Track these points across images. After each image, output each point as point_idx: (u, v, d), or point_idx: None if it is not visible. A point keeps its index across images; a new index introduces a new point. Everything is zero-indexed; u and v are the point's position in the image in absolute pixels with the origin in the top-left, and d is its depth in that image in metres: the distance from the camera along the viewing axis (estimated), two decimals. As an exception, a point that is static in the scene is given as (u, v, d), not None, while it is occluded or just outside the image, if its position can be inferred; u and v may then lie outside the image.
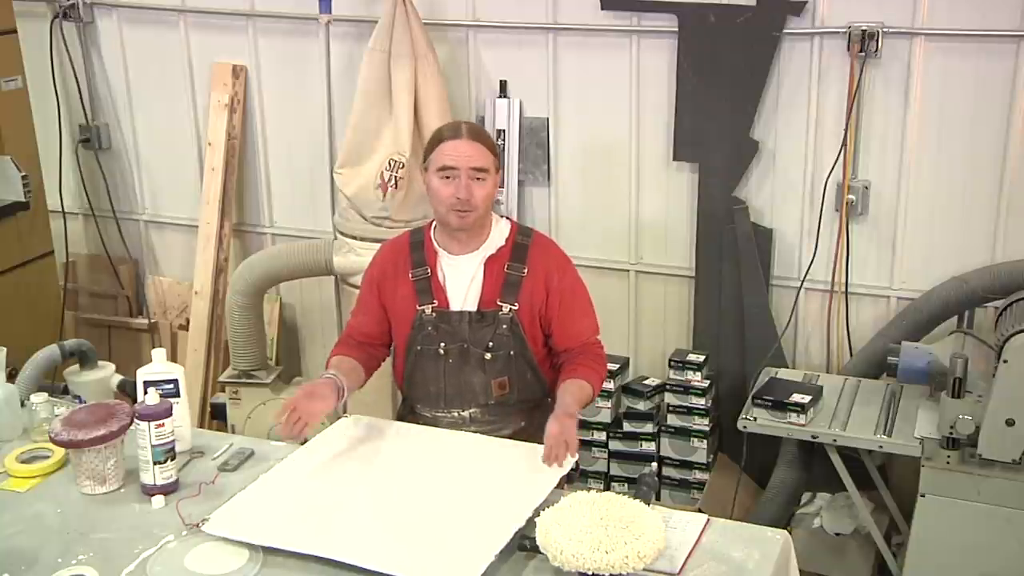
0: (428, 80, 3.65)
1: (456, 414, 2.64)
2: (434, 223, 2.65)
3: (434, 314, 2.57)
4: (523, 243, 2.59)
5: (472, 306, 2.56)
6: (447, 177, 2.48)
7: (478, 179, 2.48)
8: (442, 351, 2.58)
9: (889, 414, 3.23)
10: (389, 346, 2.74)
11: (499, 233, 2.60)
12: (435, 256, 2.60)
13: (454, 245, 2.58)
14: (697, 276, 3.78)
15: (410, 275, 2.59)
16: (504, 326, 2.55)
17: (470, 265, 2.57)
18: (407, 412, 2.75)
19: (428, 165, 2.55)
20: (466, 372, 2.59)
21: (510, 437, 2.60)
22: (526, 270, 2.55)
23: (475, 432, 2.59)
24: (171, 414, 2.29)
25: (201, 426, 3.88)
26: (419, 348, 2.60)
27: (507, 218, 2.68)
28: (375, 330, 2.70)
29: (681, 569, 2.00)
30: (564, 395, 2.48)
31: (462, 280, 2.57)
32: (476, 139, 2.50)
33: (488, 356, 2.56)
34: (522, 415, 2.65)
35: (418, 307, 2.58)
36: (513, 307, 2.54)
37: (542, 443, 2.48)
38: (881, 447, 3.14)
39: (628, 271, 3.91)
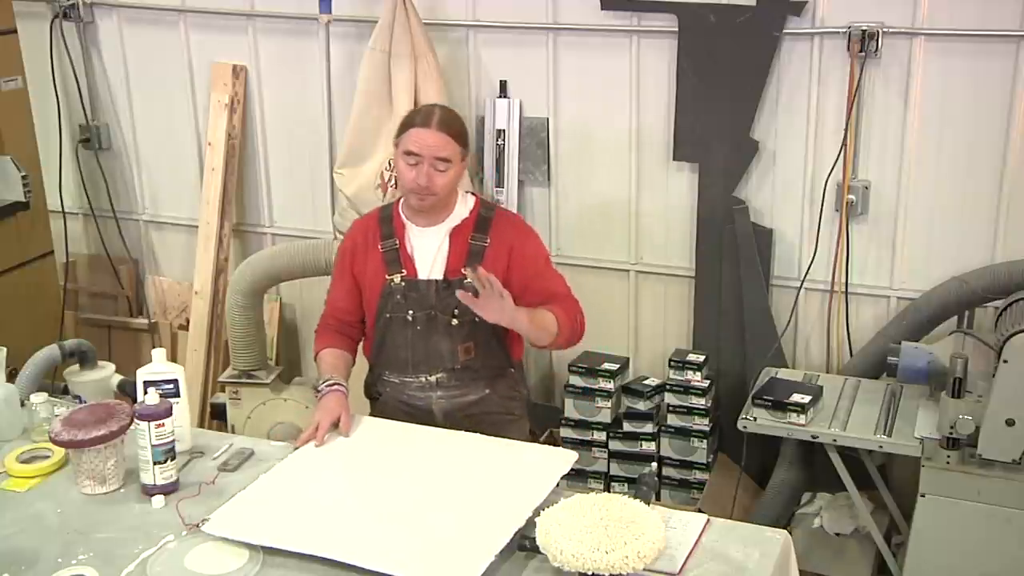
0: (428, 80, 3.65)
1: (424, 379, 2.73)
2: (403, 197, 2.75)
3: (403, 283, 2.67)
4: (486, 216, 2.70)
5: (439, 275, 2.67)
6: (411, 163, 2.57)
7: (439, 169, 2.57)
8: (410, 318, 2.68)
9: (889, 414, 3.23)
10: (364, 321, 2.82)
11: (464, 207, 2.71)
12: (403, 228, 2.71)
13: (420, 219, 2.69)
14: (697, 276, 3.78)
15: (379, 246, 2.70)
16: (469, 294, 2.61)
17: (436, 236, 2.68)
18: (374, 380, 2.84)
19: (398, 143, 2.64)
20: (434, 338, 2.69)
21: (475, 403, 2.74)
22: (488, 240, 2.66)
23: (440, 397, 2.72)
24: (171, 414, 2.29)
25: (201, 426, 3.88)
26: (388, 316, 2.71)
27: (473, 194, 2.78)
28: (350, 304, 2.79)
29: (681, 569, 2.00)
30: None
31: (429, 250, 2.68)
32: (443, 129, 2.58)
33: (455, 322, 2.66)
34: (486, 383, 2.75)
35: (387, 276, 2.68)
36: None
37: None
38: (881, 447, 3.14)
39: (628, 271, 3.91)
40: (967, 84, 3.32)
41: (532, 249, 2.72)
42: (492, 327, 2.64)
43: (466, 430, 2.63)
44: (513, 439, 2.64)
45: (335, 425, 2.51)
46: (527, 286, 2.66)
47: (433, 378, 2.72)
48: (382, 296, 2.69)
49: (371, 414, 2.82)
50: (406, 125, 2.62)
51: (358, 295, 2.76)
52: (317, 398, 2.60)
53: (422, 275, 2.66)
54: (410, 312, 2.67)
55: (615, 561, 1.88)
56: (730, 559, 2.03)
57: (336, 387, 2.59)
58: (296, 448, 2.46)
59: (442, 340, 2.68)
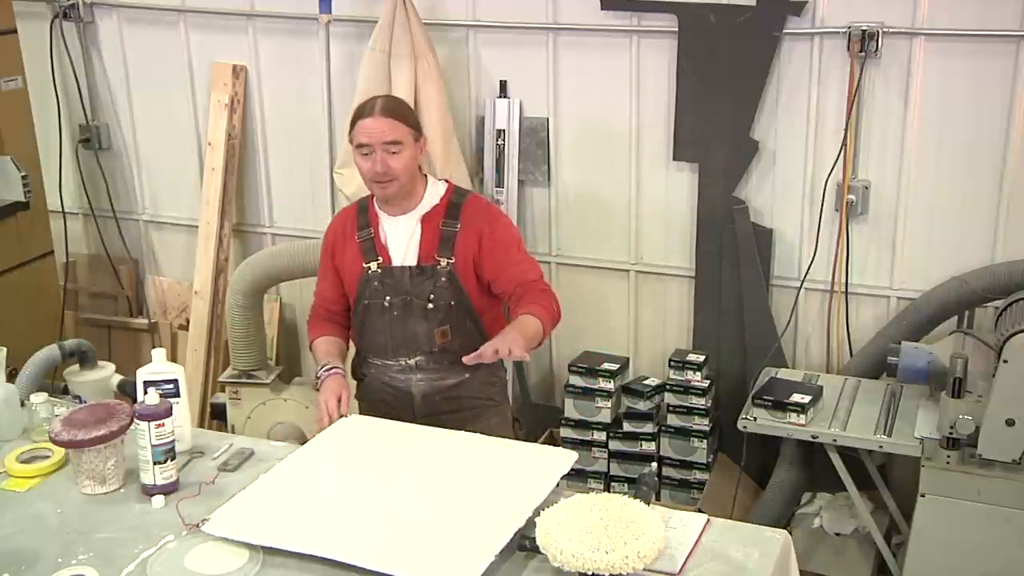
0: (428, 80, 3.66)
1: (403, 362, 2.80)
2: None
3: (379, 270, 2.75)
4: (457, 202, 2.76)
5: (412, 261, 2.74)
6: (365, 154, 2.65)
7: (392, 152, 2.63)
8: (387, 304, 2.75)
9: (889, 414, 3.23)
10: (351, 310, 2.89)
11: (434, 193, 2.76)
12: (377, 218, 2.78)
13: (391, 208, 2.76)
14: (697, 276, 3.78)
15: (356, 236, 2.78)
16: (443, 279, 2.71)
17: (408, 224, 2.75)
18: (360, 363, 2.91)
19: (351, 142, 2.71)
20: (410, 322, 2.75)
21: (453, 387, 2.79)
22: (459, 225, 2.72)
23: (420, 380, 2.79)
24: (171, 414, 2.29)
25: (201, 426, 3.88)
26: (367, 302, 2.78)
27: (446, 181, 2.83)
28: (336, 294, 2.88)
29: (681, 569, 2.00)
30: (509, 325, 2.61)
31: (402, 238, 2.75)
32: (387, 114, 2.65)
33: (430, 306, 2.73)
34: (466, 367, 2.75)
35: (364, 265, 2.76)
36: (450, 260, 2.71)
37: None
38: (881, 447, 3.14)
39: (628, 271, 3.91)
40: (967, 84, 3.32)
41: (502, 234, 2.76)
42: (467, 311, 2.74)
43: (445, 413, 2.74)
44: (493, 424, 2.75)
45: (339, 402, 2.62)
46: (499, 274, 2.73)
47: (412, 361, 2.78)
48: (360, 283, 2.77)
49: (357, 395, 2.91)
50: (353, 122, 2.69)
51: (341, 285, 2.85)
52: (318, 384, 2.69)
53: (396, 262, 2.74)
54: (387, 298, 2.74)
55: (615, 561, 1.88)
56: (730, 559, 2.03)
57: (334, 370, 2.71)
58: (319, 431, 2.54)
59: (419, 324, 2.74)
